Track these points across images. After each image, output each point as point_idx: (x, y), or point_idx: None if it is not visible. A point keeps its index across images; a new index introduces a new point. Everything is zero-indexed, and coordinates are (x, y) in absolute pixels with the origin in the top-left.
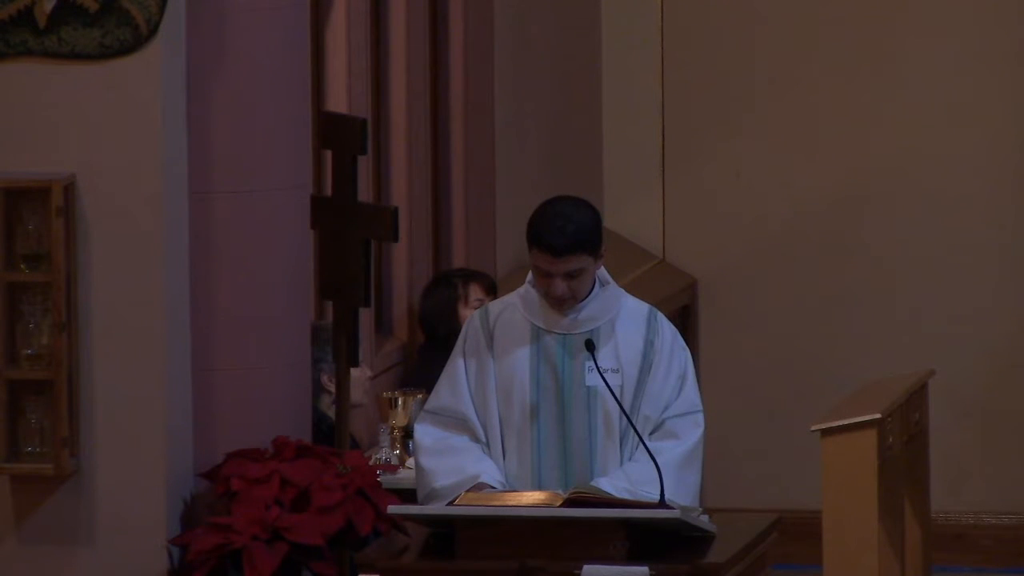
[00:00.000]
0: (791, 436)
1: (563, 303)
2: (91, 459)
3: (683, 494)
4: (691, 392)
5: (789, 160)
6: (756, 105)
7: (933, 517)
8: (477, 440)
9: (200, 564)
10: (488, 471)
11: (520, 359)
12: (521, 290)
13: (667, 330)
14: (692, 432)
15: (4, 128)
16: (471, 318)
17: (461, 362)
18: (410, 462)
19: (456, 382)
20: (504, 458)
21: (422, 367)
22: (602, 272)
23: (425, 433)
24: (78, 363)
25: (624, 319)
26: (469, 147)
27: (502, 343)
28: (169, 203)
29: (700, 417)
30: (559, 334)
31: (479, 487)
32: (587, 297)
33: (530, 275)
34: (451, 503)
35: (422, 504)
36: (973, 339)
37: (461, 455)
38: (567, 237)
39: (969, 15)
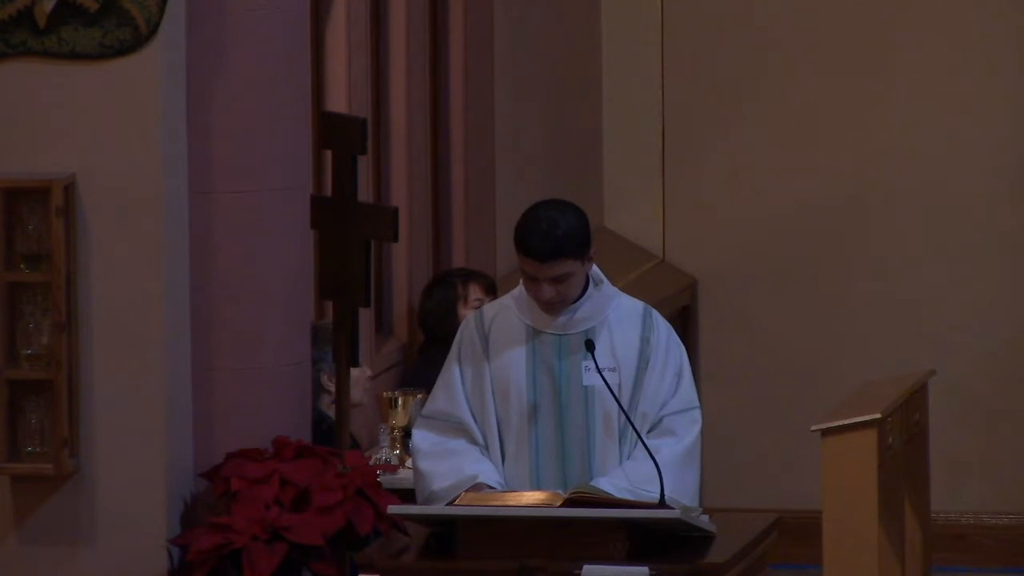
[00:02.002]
0: (791, 436)
1: (551, 307)
2: (91, 459)
3: (683, 492)
4: (688, 388)
5: (789, 160)
6: (756, 105)
7: (933, 517)
8: (475, 442)
9: (200, 564)
10: (486, 472)
11: (516, 361)
12: (515, 292)
13: (662, 327)
14: (690, 429)
15: (4, 128)
16: (465, 322)
17: (456, 366)
18: (410, 462)
19: (452, 387)
20: (503, 460)
21: (422, 367)
22: (595, 271)
23: (422, 438)
24: (78, 363)
25: (619, 317)
26: (469, 147)
27: (497, 345)
28: (169, 203)
29: (697, 413)
30: (554, 335)
31: (477, 487)
32: (581, 297)
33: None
34: (451, 503)
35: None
36: (973, 339)
37: (459, 457)
38: (552, 243)
39: (969, 15)
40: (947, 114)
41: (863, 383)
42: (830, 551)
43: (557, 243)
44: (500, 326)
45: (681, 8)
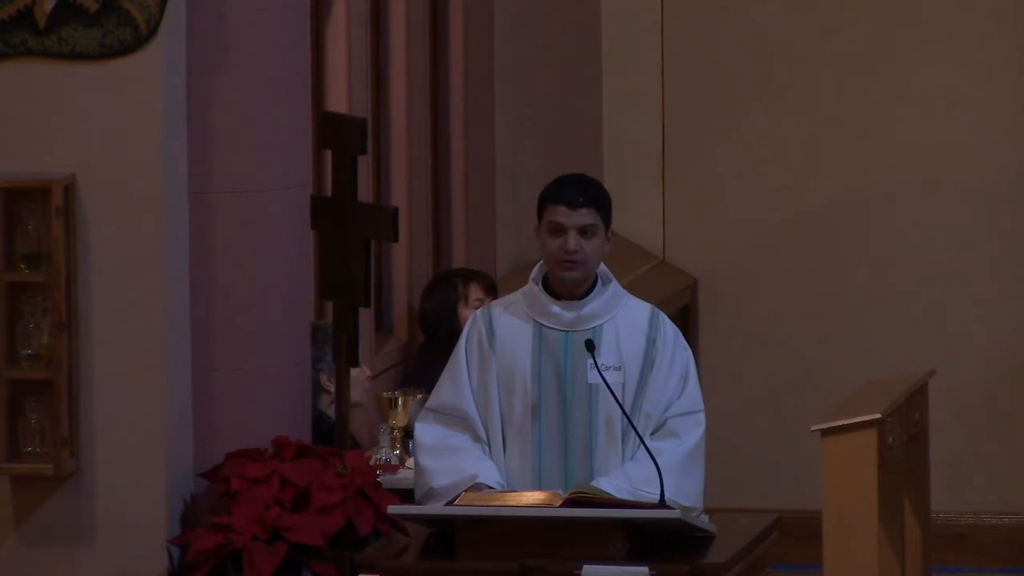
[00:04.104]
0: (791, 436)
1: (573, 264)
2: (91, 459)
3: (686, 494)
4: (693, 391)
5: (789, 160)
6: (756, 105)
7: (933, 517)
8: (478, 439)
9: (200, 564)
10: (486, 472)
11: (522, 356)
12: (524, 288)
13: (669, 329)
14: (693, 431)
15: (4, 128)
16: (474, 316)
17: (463, 359)
18: (410, 462)
19: (458, 379)
20: (505, 455)
21: (422, 367)
22: (604, 271)
23: (425, 432)
24: (78, 363)
25: (626, 317)
26: (469, 147)
27: (504, 340)
28: (169, 203)
29: (701, 416)
30: (561, 331)
31: (477, 487)
32: (590, 293)
33: (533, 272)
34: (451, 503)
35: (419, 502)
36: (973, 339)
37: (460, 455)
38: (583, 190)
39: (969, 15)
40: (947, 114)
41: (863, 383)
42: (830, 551)
43: (588, 192)
44: (508, 321)
45: (681, 8)
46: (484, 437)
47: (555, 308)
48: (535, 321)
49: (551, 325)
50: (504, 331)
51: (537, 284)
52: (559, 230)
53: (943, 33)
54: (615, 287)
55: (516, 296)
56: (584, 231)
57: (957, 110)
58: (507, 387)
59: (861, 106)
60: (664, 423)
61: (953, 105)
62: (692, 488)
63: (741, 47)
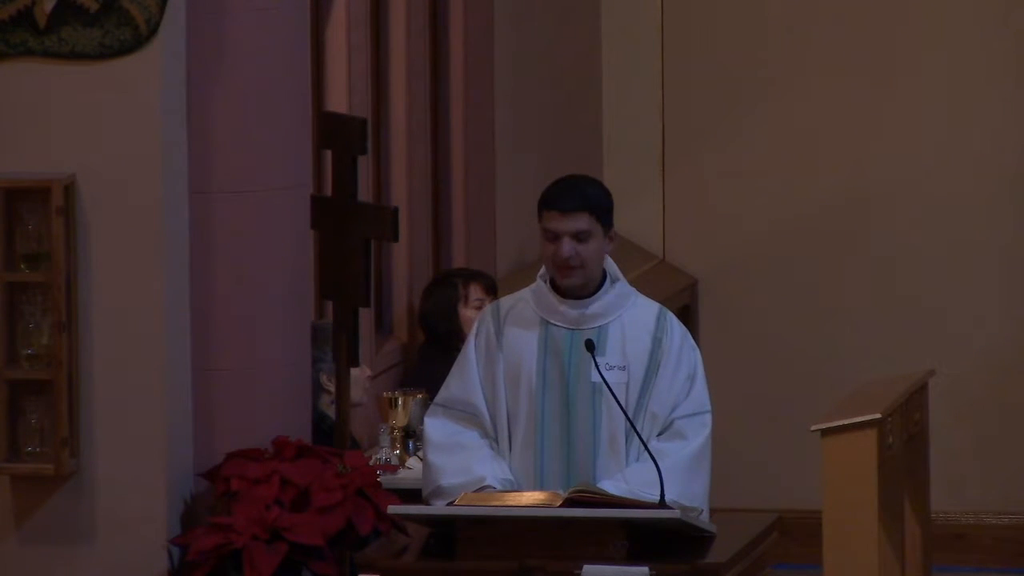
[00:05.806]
0: (791, 436)
1: (570, 270)
2: (91, 459)
3: (691, 495)
4: (700, 392)
5: (789, 160)
6: (756, 106)
7: (933, 517)
8: (486, 434)
9: (200, 564)
10: (494, 473)
11: (528, 352)
12: (533, 286)
13: (677, 329)
14: (699, 432)
15: (4, 128)
16: (483, 312)
17: (472, 354)
18: (409, 462)
19: (467, 373)
20: (510, 450)
21: (422, 367)
22: (613, 269)
23: (435, 427)
24: (78, 363)
25: (633, 316)
26: (469, 147)
27: (512, 337)
28: (169, 203)
29: (708, 417)
30: (567, 329)
31: (484, 491)
32: (597, 292)
33: (542, 269)
34: (451, 503)
35: (427, 499)
36: (973, 339)
37: (469, 454)
38: (576, 195)
39: (968, 18)
40: (946, 114)
41: (863, 383)
42: (830, 551)
43: (580, 196)
44: (516, 318)
45: (681, 8)
46: (492, 432)
47: (561, 306)
48: (542, 319)
49: (557, 323)
50: (512, 328)
51: (545, 282)
52: (553, 236)
53: (943, 35)
54: (623, 286)
55: (525, 293)
56: (578, 236)
57: (956, 112)
58: (513, 384)
59: (861, 107)
60: (671, 424)
61: (952, 107)
62: (698, 490)
63: (741, 48)
